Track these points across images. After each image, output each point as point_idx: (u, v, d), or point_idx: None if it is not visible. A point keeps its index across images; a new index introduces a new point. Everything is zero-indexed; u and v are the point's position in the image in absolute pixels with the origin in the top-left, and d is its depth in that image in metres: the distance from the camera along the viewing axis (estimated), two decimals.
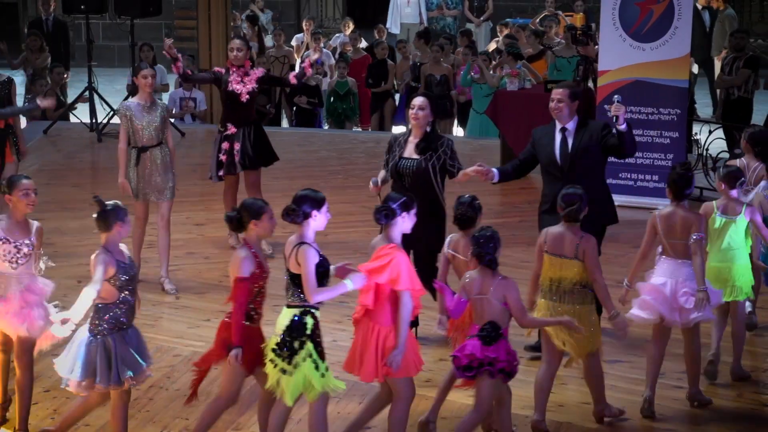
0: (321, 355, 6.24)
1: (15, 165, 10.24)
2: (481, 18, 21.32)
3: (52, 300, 9.30)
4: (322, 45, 18.17)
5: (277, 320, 6.31)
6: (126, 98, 16.30)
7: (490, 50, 17.82)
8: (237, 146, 10.28)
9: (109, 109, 16.21)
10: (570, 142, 7.65)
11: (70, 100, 17.23)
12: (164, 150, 9.54)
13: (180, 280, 9.78)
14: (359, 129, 17.26)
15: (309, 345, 6.18)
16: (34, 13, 22.67)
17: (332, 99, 16.91)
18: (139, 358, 6.40)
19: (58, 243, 10.86)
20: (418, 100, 7.88)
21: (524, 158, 7.87)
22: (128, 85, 16.44)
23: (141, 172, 9.51)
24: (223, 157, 10.35)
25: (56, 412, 7.17)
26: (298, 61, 18.08)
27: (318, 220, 6.22)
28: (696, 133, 13.48)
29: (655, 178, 12.37)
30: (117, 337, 6.37)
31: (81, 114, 16.92)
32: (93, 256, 6.36)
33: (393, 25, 21.52)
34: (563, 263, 6.89)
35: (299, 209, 6.20)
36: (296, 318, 6.21)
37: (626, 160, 12.39)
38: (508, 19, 21.02)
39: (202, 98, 17.06)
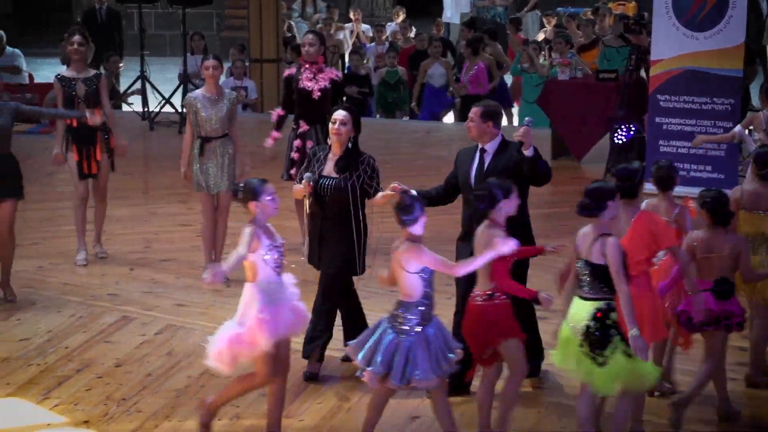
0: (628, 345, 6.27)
1: (105, 163, 10.07)
2: (525, 9, 21.20)
3: (105, 291, 9.39)
4: (384, 38, 18.17)
5: (571, 311, 6.34)
6: (178, 87, 16.46)
7: (539, 39, 17.73)
8: (309, 144, 10.11)
9: (161, 98, 16.30)
10: (486, 163, 7.12)
11: (122, 89, 17.32)
12: (228, 142, 9.44)
13: None
14: (408, 118, 17.23)
15: (617, 337, 6.21)
16: (86, 4, 22.80)
17: (382, 88, 16.89)
18: (445, 351, 6.32)
19: (109, 231, 10.92)
20: (339, 115, 7.34)
21: (448, 180, 7.31)
22: (180, 74, 16.52)
23: (203, 162, 9.45)
24: (295, 155, 10.10)
25: (109, 398, 7.22)
26: (348, 50, 18.07)
27: (612, 211, 6.29)
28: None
29: (708, 168, 12.26)
30: (422, 336, 6.25)
31: (133, 103, 17.03)
32: (406, 249, 6.19)
33: (453, 15, 21.41)
34: (763, 218, 7.36)
35: (595, 203, 6.26)
36: (602, 310, 6.23)
37: (678, 150, 12.35)
38: (559, 9, 20.90)
39: (252, 87, 17.11)
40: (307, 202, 7.32)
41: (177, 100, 16.33)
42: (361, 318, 7.57)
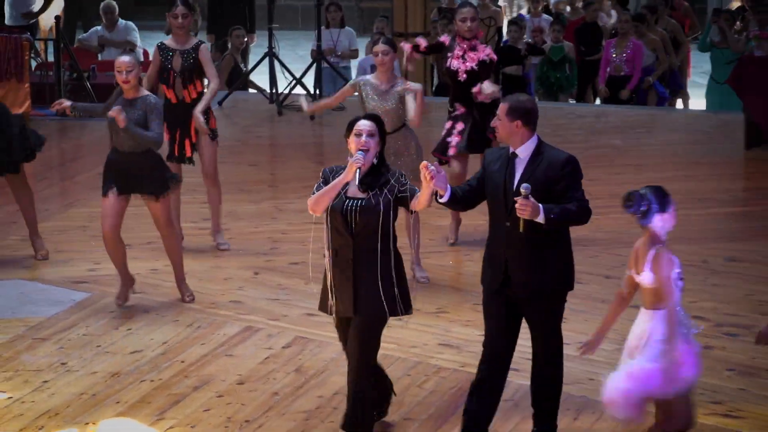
0: None
1: (208, 145, 10.27)
2: None
3: (227, 297, 9.51)
4: (541, 9, 18.05)
5: None
6: (311, 65, 16.59)
7: (733, 9, 17.40)
8: (459, 126, 10.22)
9: (291, 78, 16.45)
10: (518, 172, 6.63)
11: (250, 66, 17.56)
12: (401, 138, 9.41)
13: None
14: (574, 101, 17.08)
15: None
16: None
17: (545, 67, 16.78)
18: None
19: (233, 229, 11.05)
20: (365, 125, 6.78)
21: (472, 184, 6.81)
22: (313, 51, 16.66)
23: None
24: (454, 138, 10.27)
25: (230, 420, 7.29)
26: (506, 20, 17.97)
27: None
28: None
29: None
30: None
31: (260, 83, 17.22)
32: None
33: None
34: None
35: None
36: None
37: None
38: None
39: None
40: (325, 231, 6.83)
41: (309, 80, 16.47)
42: (384, 382, 7.13)
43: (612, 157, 13.72)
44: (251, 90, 17.43)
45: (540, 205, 6.38)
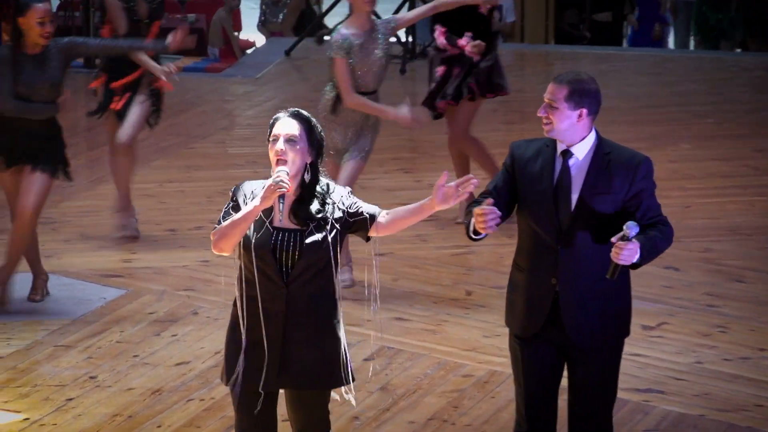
0: None
1: (141, 107, 10.36)
2: None
3: None
4: None
5: None
6: (403, 3, 16.56)
7: None
8: (456, 71, 10.36)
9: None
10: (578, 180, 6.21)
11: (326, 6, 17.65)
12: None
13: (471, 268, 9.86)
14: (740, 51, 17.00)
15: None
16: None
17: (704, 6, 16.69)
18: None
19: None
20: (284, 127, 6.03)
21: (501, 194, 6.37)
22: None
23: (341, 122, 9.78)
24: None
25: None
26: None
27: None
28: None
29: None
30: None
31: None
32: None
33: None
34: None
35: None
36: None
37: None
38: None
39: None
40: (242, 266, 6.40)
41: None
42: None
43: None
44: (327, 37, 17.48)
45: (638, 243, 5.91)
